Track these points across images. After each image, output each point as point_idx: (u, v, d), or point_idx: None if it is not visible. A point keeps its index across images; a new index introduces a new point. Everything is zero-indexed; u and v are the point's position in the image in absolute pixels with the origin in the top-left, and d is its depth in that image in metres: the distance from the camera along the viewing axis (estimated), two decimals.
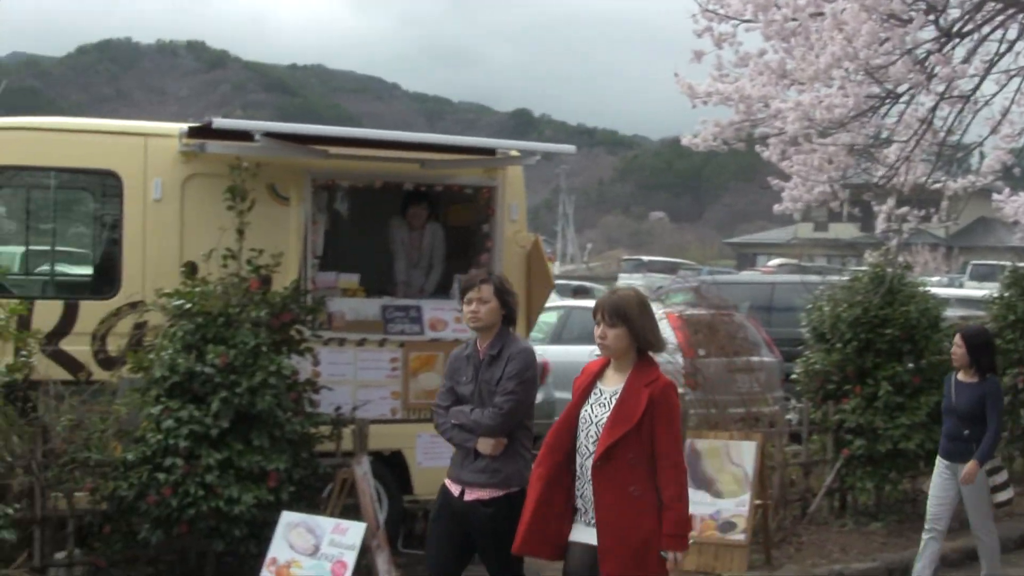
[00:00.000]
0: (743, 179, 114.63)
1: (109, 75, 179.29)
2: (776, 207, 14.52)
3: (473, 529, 7.49)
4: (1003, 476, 10.17)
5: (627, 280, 55.01)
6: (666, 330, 14.77)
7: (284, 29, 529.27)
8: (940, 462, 10.23)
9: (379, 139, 10.94)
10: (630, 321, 6.59)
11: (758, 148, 13.87)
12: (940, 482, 10.19)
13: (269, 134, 9.75)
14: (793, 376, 13.71)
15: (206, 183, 10.17)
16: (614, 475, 6.54)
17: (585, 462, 6.68)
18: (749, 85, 11.72)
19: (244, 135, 9.76)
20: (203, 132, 10.06)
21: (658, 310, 15.03)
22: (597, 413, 6.71)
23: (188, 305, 8.98)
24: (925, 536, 10.17)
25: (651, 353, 6.78)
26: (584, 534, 6.70)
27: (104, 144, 10.39)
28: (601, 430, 6.60)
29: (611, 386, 6.75)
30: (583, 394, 6.83)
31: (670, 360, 12.75)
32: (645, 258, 66.05)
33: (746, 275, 32.71)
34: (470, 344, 7.72)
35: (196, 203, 10.21)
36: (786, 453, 12.23)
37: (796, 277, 21.30)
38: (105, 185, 10.75)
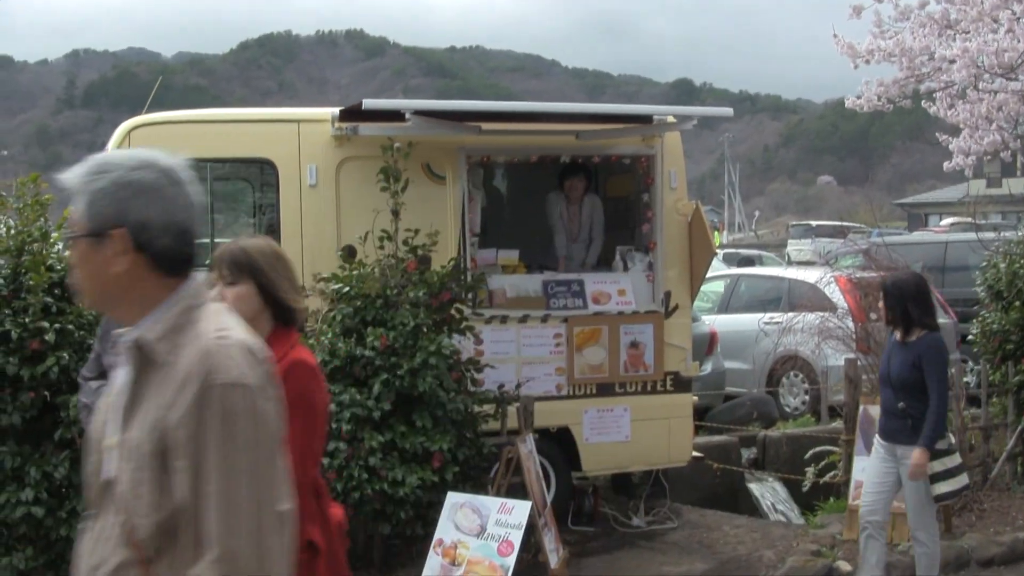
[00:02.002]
0: (910, 138, 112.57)
1: (271, 68, 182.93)
2: (946, 164, 14.09)
3: None
4: (952, 461, 8.39)
5: (796, 246, 54.15)
6: (836, 294, 14.46)
7: (441, 12, 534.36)
8: (877, 441, 8.79)
9: (530, 111, 10.80)
10: (258, 274, 4.91)
11: (925, 104, 13.48)
12: (877, 465, 8.71)
13: (420, 112, 9.65)
14: (969, 337, 13.24)
15: (360, 166, 10.13)
16: None
17: None
18: (910, 37, 11.33)
19: (396, 116, 9.68)
20: (355, 115, 10.03)
21: (827, 274, 14.82)
22: None
23: (346, 289, 8.95)
24: (862, 535, 8.78)
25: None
26: None
27: (259, 133, 10.41)
28: None
29: None
30: None
31: (840, 325, 12.43)
32: (813, 223, 64.89)
33: (917, 235, 31.95)
34: None
35: (351, 186, 10.18)
36: (965, 417, 11.76)
37: (969, 235, 20.71)
38: (262, 174, 10.80)
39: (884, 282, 8.93)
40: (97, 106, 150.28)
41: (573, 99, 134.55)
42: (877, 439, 8.74)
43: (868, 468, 8.86)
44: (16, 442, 7.65)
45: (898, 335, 8.58)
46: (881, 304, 8.75)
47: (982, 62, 10.44)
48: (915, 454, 8.22)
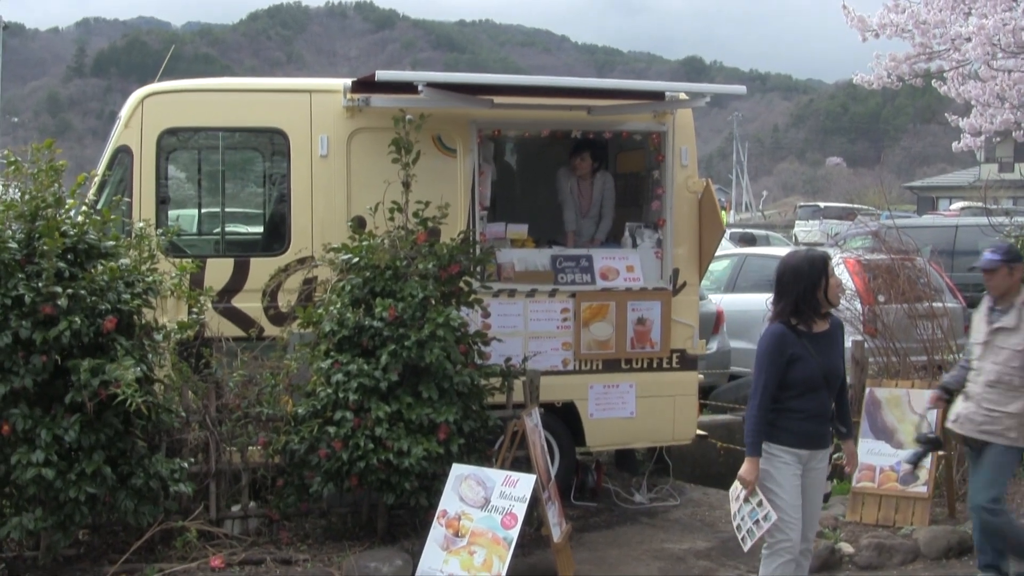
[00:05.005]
0: (922, 121, 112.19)
1: (280, 39, 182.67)
2: (955, 145, 14.03)
3: None
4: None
5: (803, 227, 54.06)
6: (844, 275, 14.43)
7: None
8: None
9: (543, 85, 10.79)
10: None
11: (935, 83, 13.41)
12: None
13: (433, 85, 9.65)
14: None
15: (371, 137, 10.15)
16: None
17: None
18: (924, 11, 11.29)
19: (408, 87, 9.68)
20: (367, 86, 10.04)
21: (836, 255, 14.82)
22: None
23: (356, 259, 8.97)
24: (782, 563, 7.34)
25: None
26: None
27: (270, 102, 10.43)
28: None
29: None
30: None
31: (848, 307, 12.43)
32: (821, 204, 64.86)
33: (927, 218, 31.84)
34: None
35: (362, 158, 10.21)
36: None
37: (980, 219, 20.66)
38: (273, 143, 10.81)
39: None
40: (107, 74, 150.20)
41: (583, 75, 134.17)
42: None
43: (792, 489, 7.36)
44: (28, 405, 7.68)
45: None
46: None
47: (998, 40, 10.40)
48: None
